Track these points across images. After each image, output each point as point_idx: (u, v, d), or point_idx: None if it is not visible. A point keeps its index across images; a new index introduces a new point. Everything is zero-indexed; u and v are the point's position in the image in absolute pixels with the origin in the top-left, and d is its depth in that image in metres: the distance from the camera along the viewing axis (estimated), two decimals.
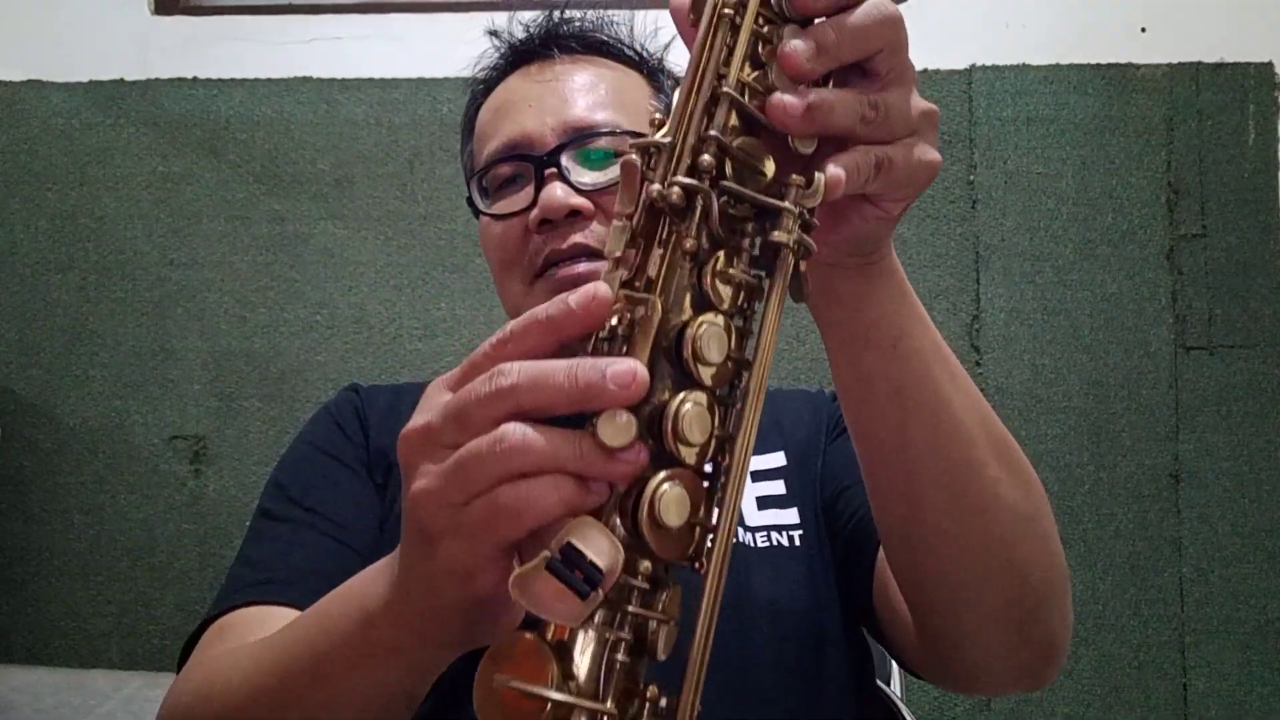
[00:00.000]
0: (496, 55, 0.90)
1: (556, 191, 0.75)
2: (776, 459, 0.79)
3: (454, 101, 1.77)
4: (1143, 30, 1.77)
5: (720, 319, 0.39)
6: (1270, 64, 1.75)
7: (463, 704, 0.37)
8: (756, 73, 0.41)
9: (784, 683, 0.68)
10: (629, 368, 0.36)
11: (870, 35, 0.42)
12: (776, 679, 0.68)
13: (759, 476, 0.77)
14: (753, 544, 0.72)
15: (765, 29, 0.42)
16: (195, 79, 1.80)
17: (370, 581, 0.48)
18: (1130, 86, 1.75)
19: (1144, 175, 1.74)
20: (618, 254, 0.40)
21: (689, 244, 0.39)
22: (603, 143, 0.79)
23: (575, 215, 0.76)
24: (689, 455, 0.37)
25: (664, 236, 0.39)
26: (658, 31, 0.89)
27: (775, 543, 0.73)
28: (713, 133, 0.39)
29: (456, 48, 1.82)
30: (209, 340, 1.76)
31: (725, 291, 0.39)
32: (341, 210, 1.77)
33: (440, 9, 1.82)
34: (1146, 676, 1.65)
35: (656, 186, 0.39)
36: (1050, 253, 1.73)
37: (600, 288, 0.38)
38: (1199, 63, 1.75)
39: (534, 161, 0.78)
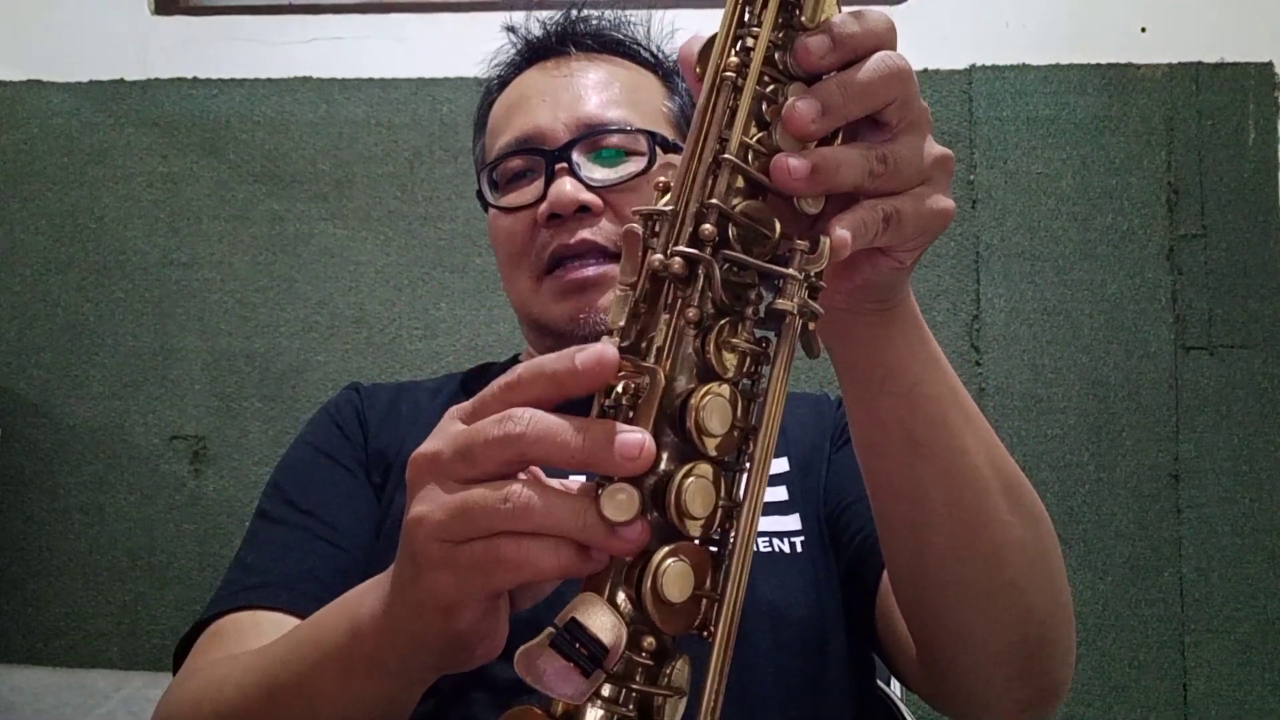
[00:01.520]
0: (512, 51, 0.89)
1: (566, 186, 0.75)
2: (779, 464, 0.78)
3: (454, 101, 1.77)
4: (1143, 30, 1.77)
5: (725, 388, 0.39)
6: (1270, 64, 1.75)
7: (463, 704, 0.37)
8: (761, 133, 0.41)
9: (785, 688, 0.68)
10: (637, 440, 0.36)
11: (878, 91, 0.42)
12: (778, 684, 0.68)
13: None
14: (755, 549, 0.72)
15: (770, 88, 0.41)
16: (195, 79, 1.80)
17: (364, 594, 0.48)
18: (1130, 86, 1.75)
19: (1144, 175, 1.74)
20: (620, 324, 0.40)
21: (692, 313, 0.39)
22: (614, 140, 0.79)
23: (584, 211, 0.76)
24: (693, 528, 0.37)
25: (668, 303, 0.39)
26: (674, 33, 0.89)
27: (776, 549, 0.73)
28: (714, 201, 0.39)
29: (456, 48, 1.84)
30: (209, 340, 1.76)
31: (730, 360, 0.39)
32: (341, 210, 1.77)
33: (440, 9, 1.81)
34: (1146, 676, 1.65)
35: (658, 256, 0.39)
36: (1050, 253, 1.73)
37: (607, 350, 0.38)
38: (1199, 63, 1.75)
39: (545, 156, 0.78)
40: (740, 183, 0.40)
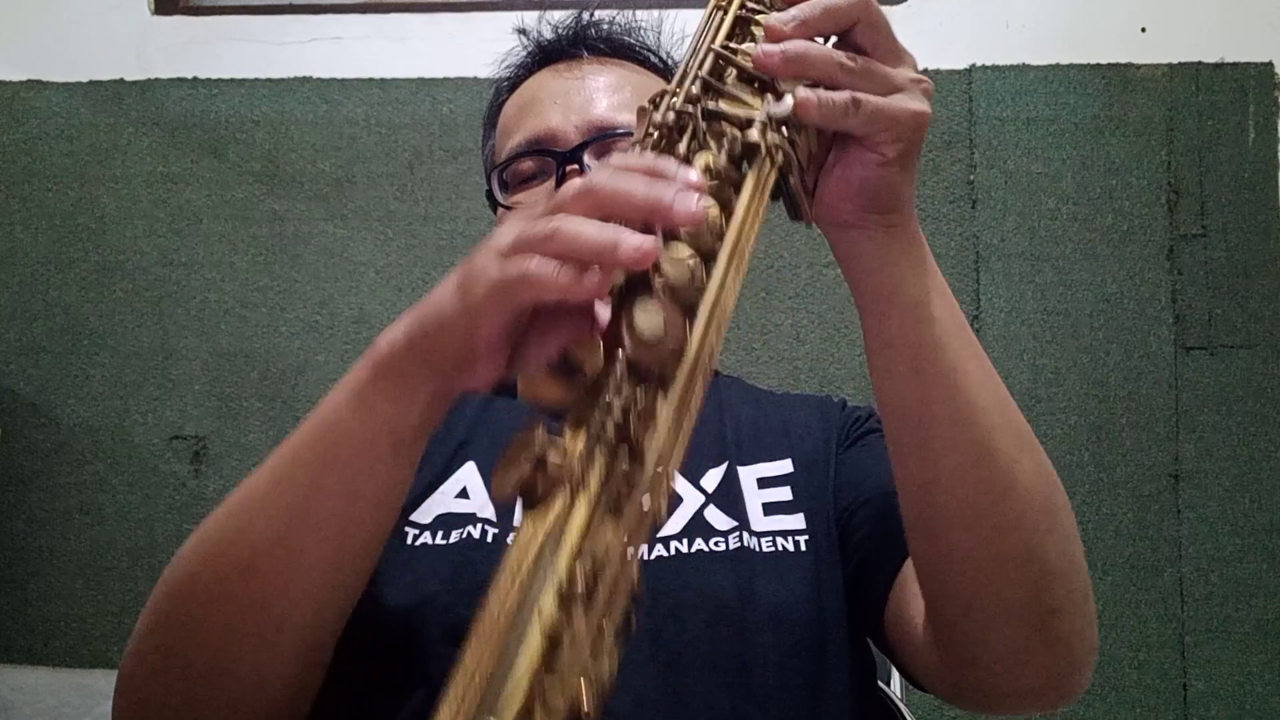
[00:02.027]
0: (524, 53, 0.90)
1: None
2: (784, 465, 0.79)
3: (454, 102, 1.77)
4: (1143, 30, 1.77)
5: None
6: (1270, 64, 1.75)
7: None
8: (748, 43, 0.51)
9: (786, 686, 0.68)
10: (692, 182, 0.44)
11: (840, 11, 0.49)
12: (779, 682, 0.68)
13: (765, 483, 0.77)
14: (758, 548, 0.73)
15: (759, 14, 0.52)
16: (195, 79, 1.80)
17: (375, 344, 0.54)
18: (1130, 86, 1.75)
19: (1144, 175, 1.74)
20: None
21: (680, 149, 0.47)
22: (625, 144, 0.79)
23: None
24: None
25: (662, 150, 0.48)
26: (684, 39, 0.91)
27: (780, 548, 0.73)
28: (703, 72, 0.49)
29: (456, 48, 1.84)
30: (209, 340, 1.76)
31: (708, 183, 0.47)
32: (341, 210, 1.77)
33: (440, 9, 1.82)
34: (1146, 676, 1.65)
35: (657, 115, 0.47)
36: (1050, 253, 1.73)
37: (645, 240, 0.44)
38: (1199, 63, 1.75)
39: (556, 157, 0.78)
40: (730, 73, 0.50)
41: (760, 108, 0.48)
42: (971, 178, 1.74)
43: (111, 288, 1.77)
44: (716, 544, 0.73)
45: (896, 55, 0.51)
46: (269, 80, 1.79)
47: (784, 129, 0.47)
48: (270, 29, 1.81)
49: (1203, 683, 1.65)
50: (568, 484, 0.38)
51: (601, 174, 0.45)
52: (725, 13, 0.52)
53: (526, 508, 0.39)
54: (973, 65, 1.75)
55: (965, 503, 0.57)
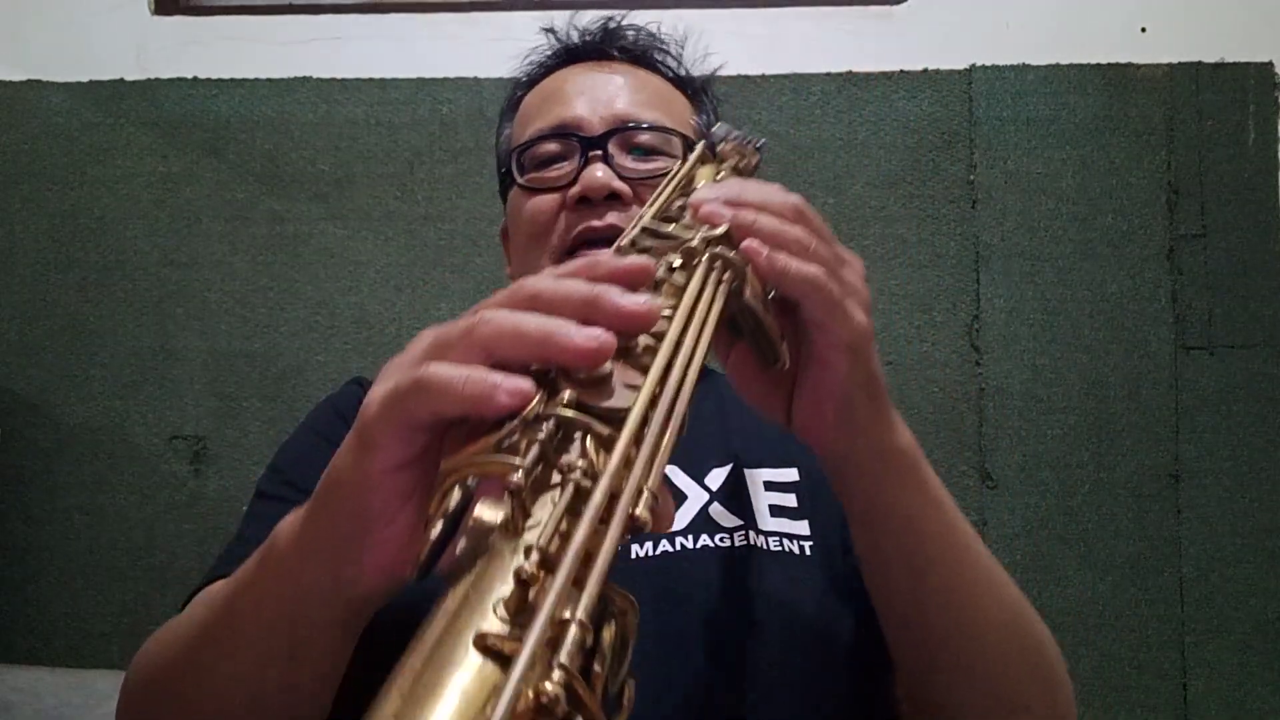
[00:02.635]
0: (548, 51, 0.91)
1: (598, 172, 0.77)
2: (790, 474, 0.79)
3: (454, 102, 1.77)
4: (1143, 30, 1.77)
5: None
6: (1270, 64, 1.75)
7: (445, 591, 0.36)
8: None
9: (790, 682, 0.69)
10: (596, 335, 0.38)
11: (760, 193, 0.52)
12: (783, 678, 0.68)
13: (772, 487, 0.78)
14: (765, 546, 0.73)
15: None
16: (195, 79, 1.80)
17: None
18: (1130, 86, 1.75)
19: (1144, 175, 1.74)
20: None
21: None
22: (648, 138, 0.81)
23: (614, 198, 0.77)
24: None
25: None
26: (706, 58, 0.93)
27: (786, 548, 0.73)
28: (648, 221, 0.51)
29: (456, 48, 1.84)
30: (209, 340, 1.76)
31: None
32: (341, 210, 1.77)
33: (440, 9, 1.81)
34: (1146, 676, 1.65)
35: (661, 268, 0.46)
36: (1050, 253, 1.73)
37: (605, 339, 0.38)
38: (1199, 63, 1.75)
39: (581, 141, 0.79)
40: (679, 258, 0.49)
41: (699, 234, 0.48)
42: (971, 178, 1.74)
43: (111, 288, 1.77)
44: (722, 540, 0.73)
45: (839, 255, 0.52)
46: (269, 80, 1.79)
47: (726, 250, 0.46)
48: (270, 29, 1.81)
49: (1203, 683, 1.65)
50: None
51: (538, 278, 0.41)
52: (671, 184, 0.55)
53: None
54: (973, 65, 1.75)
55: (958, 685, 0.61)
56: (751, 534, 0.73)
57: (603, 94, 0.82)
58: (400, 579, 0.43)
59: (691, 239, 0.46)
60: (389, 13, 1.82)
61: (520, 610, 0.28)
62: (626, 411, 0.35)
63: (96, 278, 1.77)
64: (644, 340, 0.39)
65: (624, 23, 0.90)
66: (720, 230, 0.47)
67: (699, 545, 0.72)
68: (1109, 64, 1.75)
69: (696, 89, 0.91)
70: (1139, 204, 1.73)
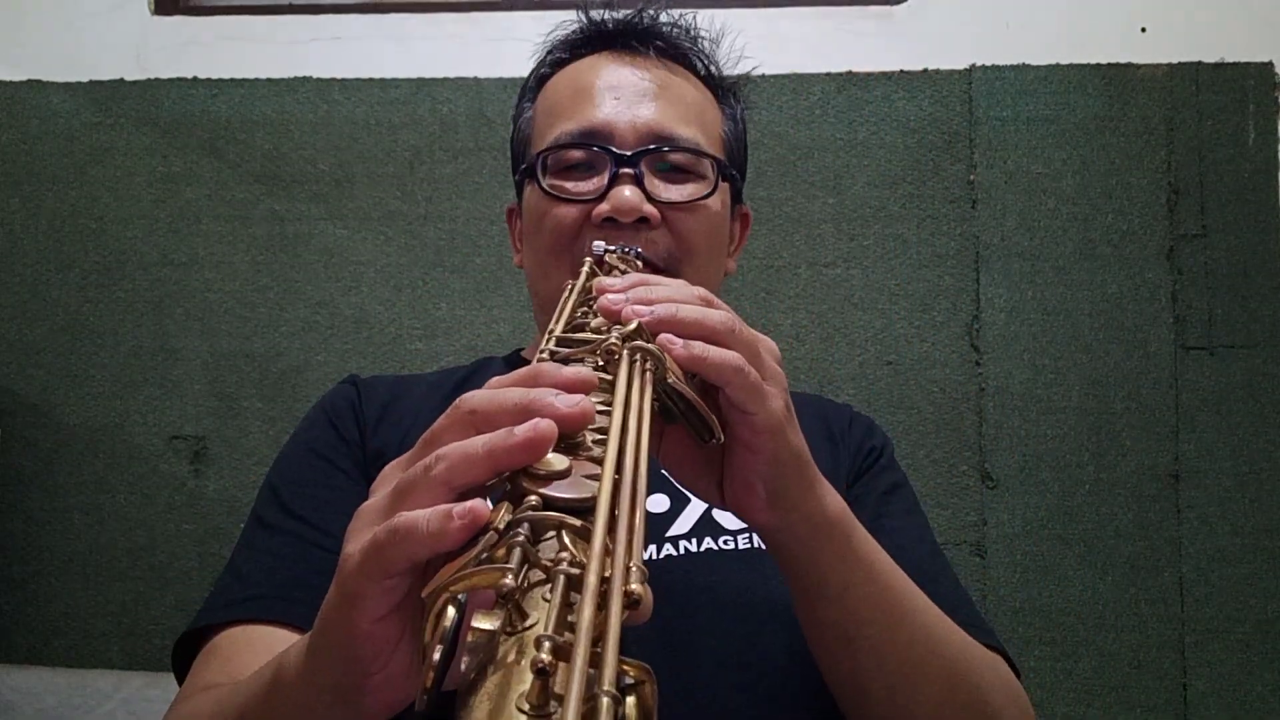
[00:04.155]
0: (579, 31, 0.88)
1: (627, 193, 0.76)
2: None
3: (454, 102, 1.77)
4: (1143, 30, 1.77)
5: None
6: (1270, 64, 1.75)
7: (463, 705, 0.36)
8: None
9: (794, 684, 0.68)
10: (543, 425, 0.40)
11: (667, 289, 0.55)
12: (787, 680, 0.68)
13: None
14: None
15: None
16: (195, 79, 1.80)
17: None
18: (1130, 86, 1.75)
19: (1144, 175, 1.74)
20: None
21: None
22: (681, 158, 0.79)
23: (642, 222, 0.76)
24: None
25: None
26: (740, 60, 0.92)
27: None
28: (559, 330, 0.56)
29: (456, 48, 1.84)
30: (209, 340, 1.76)
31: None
32: (341, 210, 1.77)
33: (440, 9, 1.82)
34: (1146, 676, 1.65)
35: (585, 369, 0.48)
36: (1050, 253, 1.73)
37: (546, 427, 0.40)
38: (1199, 63, 1.75)
39: (613, 158, 0.77)
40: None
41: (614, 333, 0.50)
42: (971, 178, 1.74)
43: (111, 288, 1.77)
44: (726, 543, 0.73)
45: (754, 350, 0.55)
46: (269, 80, 1.79)
47: (644, 341, 0.48)
48: (270, 29, 1.81)
49: (1203, 683, 1.65)
50: None
51: (475, 394, 0.43)
52: (571, 293, 0.61)
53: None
54: (973, 65, 1.75)
55: None
56: (755, 538, 0.73)
57: (638, 102, 0.79)
58: (409, 705, 0.44)
59: (608, 338, 0.48)
60: (389, 13, 1.82)
61: (544, 701, 0.29)
62: (592, 499, 0.37)
63: (96, 278, 1.77)
64: (591, 435, 0.42)
65: (660, 16, 0.87)
66: (632, 326, 0.49)
67: (703, 549, 0.72)
68: (1109, 64, 1.75)
69: (724, 91, 0.89)
70: (1139, 204, 1.73)
